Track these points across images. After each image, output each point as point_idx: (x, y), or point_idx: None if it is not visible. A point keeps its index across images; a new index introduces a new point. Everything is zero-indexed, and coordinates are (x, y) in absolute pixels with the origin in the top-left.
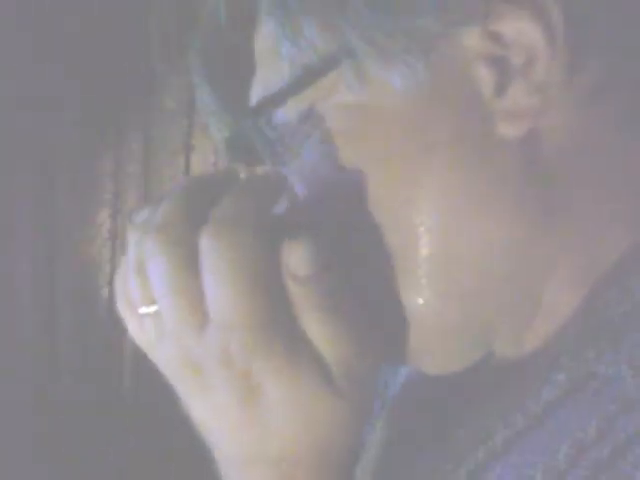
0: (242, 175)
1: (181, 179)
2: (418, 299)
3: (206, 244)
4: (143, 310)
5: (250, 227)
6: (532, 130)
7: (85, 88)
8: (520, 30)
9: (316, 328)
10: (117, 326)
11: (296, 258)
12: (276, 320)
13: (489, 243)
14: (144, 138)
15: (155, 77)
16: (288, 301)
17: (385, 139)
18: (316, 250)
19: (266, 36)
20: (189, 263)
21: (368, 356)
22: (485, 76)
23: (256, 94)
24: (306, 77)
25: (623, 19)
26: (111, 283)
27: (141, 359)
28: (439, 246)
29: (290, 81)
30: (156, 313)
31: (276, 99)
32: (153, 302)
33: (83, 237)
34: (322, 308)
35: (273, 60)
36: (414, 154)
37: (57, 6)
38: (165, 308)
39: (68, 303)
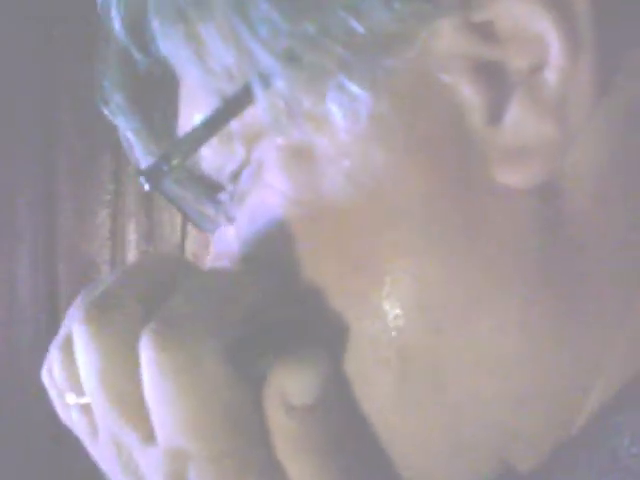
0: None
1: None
2: (411, 434)
3: (149, 351)
4: (70, 399)
5: (209, 332)
6: (546, 176)
7: (85, 88)
8: (520, 18)
9: (301, 470)
10: None
11: (292, 381)
12: (246, 453)
13: (494, 359)
14: None
15: None
16: (265, 431)
17: (333, 199)
18: (321, 372)
19: (170, 58)
20: (126, 359)
21: None
22: (470, 93)
23: (179, 132)
24: (223, 112)
25: None
26: None
27: None
28: (417, 364)
29: (206, 117)
30: (87, 406)
31: (188, 143)
32: (82, 393)
33: (83, 237)
34: (313, 447)
35: (189, 91)
36: (369, 224)
37: (57, 6)
38: (96, 405)
39: (68, 303)
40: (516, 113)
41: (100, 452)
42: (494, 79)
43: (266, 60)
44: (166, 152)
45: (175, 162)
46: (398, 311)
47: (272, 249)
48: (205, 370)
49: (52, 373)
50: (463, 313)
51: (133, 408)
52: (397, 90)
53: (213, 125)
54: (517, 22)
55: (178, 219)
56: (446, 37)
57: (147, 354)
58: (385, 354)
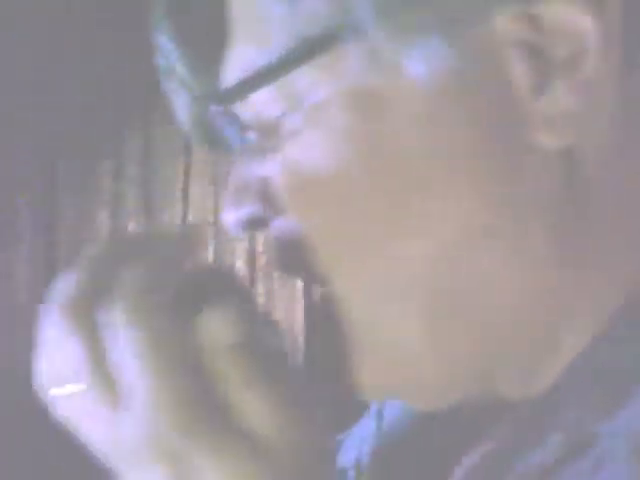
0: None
1: (95, 244)
2: (411, 338)
3: (111, 319)
4: (54, 391)
5: (157, 296)
6: (574, 141)
7: (85, 88)
8: (566, 16)
9: (249, 400)
10: None
11: (216, 328)
12: (200, 396)
13: (509, 279)
14: (144, 138)
15: (155, 77)
16: (212, 374)
17: (397, 138)
18: (237, 317)
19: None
20: (93, 339)
21: (312, 421)
22: (520, 70)
23: (233, 70)
24: (303, 52)
25: None
26: None
27: None
28: (447, 276)
29: (282, 56)
30: (69, 394)
31: (260, 79)
32: (64, 382)
33: (83, 237)
34: (252, 378)
35: (258, 27)
36: (430, 159)
37: (58, 7)
38: (78, 390)
39: None
40: (557, 89)
41: (88, 433)
42: (540, 60)
43: (365, 14)
44: (243, 80)
45: (256, 85)
46: (435, 241)
47: (321, 180)
48: (156, 323)
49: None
50: (487, 243)
51: (107, 380)
52: (468, 56)
53: (289, 63)
54: (563, 19)
55: (177, 219)
56: (507, 21)
57: (107, 319)
58: (412, 279)
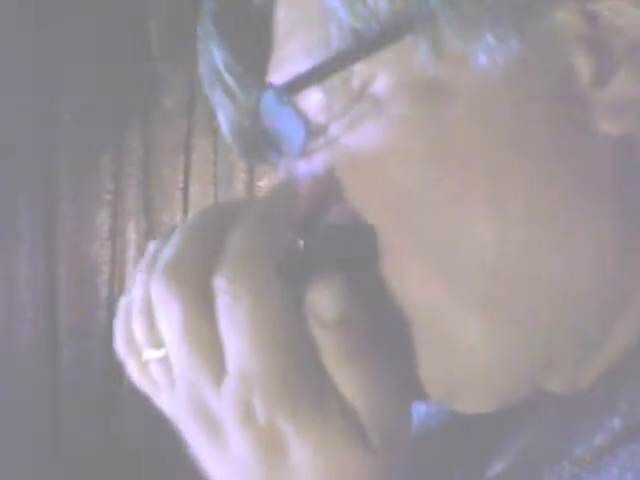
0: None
1: (196, 211)
2: (470, 328)
3: (221, 286)
4: (148, 354)
5: (267, 264)
6: (634, 128)
7: (85, 88)
8: (621, 10)
9: (346, 377)
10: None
11: (322, 301)
12: (301, 370)
13: (571, 264)
14: (144, 138)
15: (155, 77)
16: (313, 348)
17: (460, 126)
18: (344, 291)
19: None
20: (202, 306)
21: (401, 405)
22: (583, 61)
23: (283, 66)
24: (362, 47)
25: None
26: (111, 283)
27: None
28: (509, 265)
29: (339, 52)
30: (164, 358)
31: (319, 73)
32: (160, 345)
33: (83, 237)
34: (352, 355)
35: (312, 25)
36: (493, 147)
37: (57, 6)
38: (175, 354)
39: (68, 303)
40: (619, 79)
41: (174, 401)
42: (600, 53)
43: (436, 4)
44: (302, 75)
45: (315, 79)
46: (503, 219)
47: (381, 166)
48: (266, 291)
49: (127, 341)
50: (549, 226)
51: (208, 345)
52: (531, 49)
53: (349, 58)
54: (618, 14)
55: (177, 219)
56: (569, 16)
57: (220, 285)
58: (487, 256)
